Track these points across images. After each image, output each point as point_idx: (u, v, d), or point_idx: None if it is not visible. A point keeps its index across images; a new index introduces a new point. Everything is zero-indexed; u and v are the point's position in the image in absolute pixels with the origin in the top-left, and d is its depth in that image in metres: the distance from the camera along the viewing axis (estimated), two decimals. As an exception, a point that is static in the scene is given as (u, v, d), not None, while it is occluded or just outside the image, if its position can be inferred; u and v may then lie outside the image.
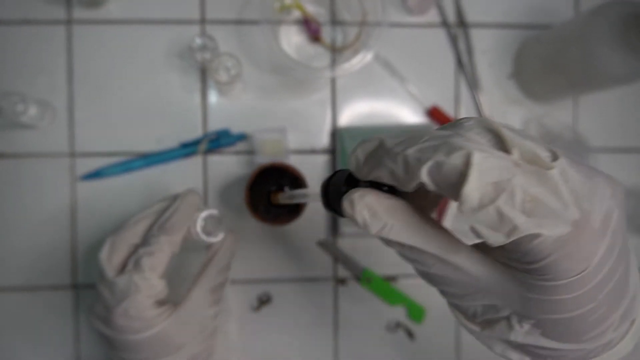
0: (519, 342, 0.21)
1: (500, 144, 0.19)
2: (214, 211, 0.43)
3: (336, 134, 0.55)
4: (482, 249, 0.21)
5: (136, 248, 0.40)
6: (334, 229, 0.55)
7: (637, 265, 0.21)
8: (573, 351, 0.21)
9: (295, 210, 0.47)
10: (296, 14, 0.54)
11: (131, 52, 0.53)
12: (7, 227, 0.52)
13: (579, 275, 0.18)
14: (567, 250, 0.18)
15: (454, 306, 0.23)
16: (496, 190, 0.17)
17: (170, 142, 0.53)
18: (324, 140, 0.55)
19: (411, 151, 0.19)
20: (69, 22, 0.52)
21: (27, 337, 0.52)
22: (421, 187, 0.20)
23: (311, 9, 0.55)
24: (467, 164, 0.17)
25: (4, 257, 0.52)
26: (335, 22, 0.55)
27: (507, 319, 0.21)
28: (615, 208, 0.19)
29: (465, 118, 0.21)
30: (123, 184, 0.53)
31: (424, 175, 0.19)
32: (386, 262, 0.56)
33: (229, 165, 0.54)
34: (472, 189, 0.17)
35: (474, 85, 0.57)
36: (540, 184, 0.17)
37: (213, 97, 0.54)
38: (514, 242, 0.18)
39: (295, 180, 0.47)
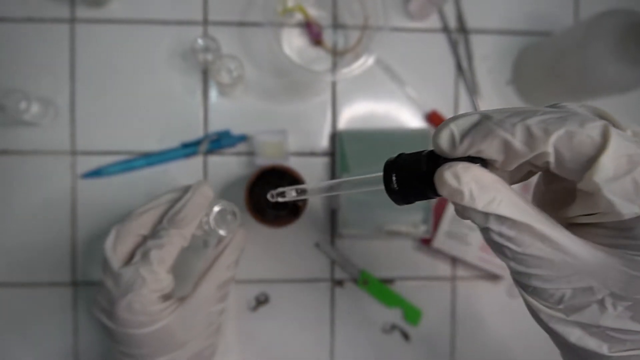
0: (607, 326, 0.20)
1: (615, 125, 0.19)
2: (229, 204, 0.41)
3: (336, 136, 0.55)
4: (578, 232, 0.21)
5: (143, 239, 0.39)
6: (332, 230, 0.56)
7: None
8: None
9: (294, 211, 0.47)
10: (298, 17, 0.55)
11: (133, 52, 0.53)
12: (7, 223, 0.52)
13: None
14: None
15: (536, 292, 0.21)
16: (630, 163, 0.18)
17: (171, 142, 0.54)
18: (323, 142, 0.56)
19: (534, 120, 0.19)
20: (72, 20, 0.53)
21: (25, 333, 0.53)
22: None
23: (313, 12, 0.55)
24: (605, 134, 0.18)
25: (4, 253, 0.52)
26: (337, 25, 0.56)
27: (601, 301, 0.20)
28: None
29: (560, 105, 0.21)
30: (123, 182, 0.53)
31: (551, 145, 0.19)
32: (383, 265, 0.56)
33: (229, 166, 0.54)
34: (610, 159, 0.18)
35: (473, 90, 0.57)
36: None
37: (214, 98, 0.54)
38: (637, 217, 0.19)
39: (294, 182, 0.48)
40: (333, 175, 0.55)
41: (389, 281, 0.57)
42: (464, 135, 0.21)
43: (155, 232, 0.39)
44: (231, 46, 0.54)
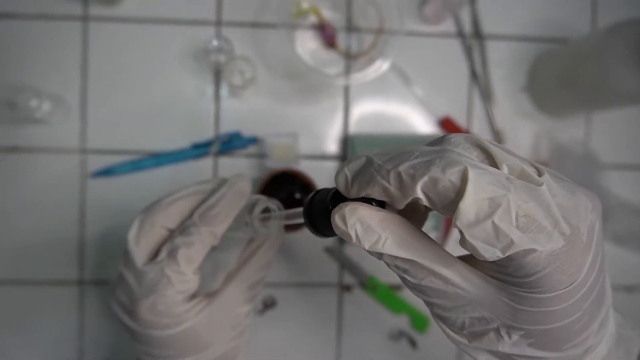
0: (506, 352, 0.22)
1: (489, 159, 0.19)
2: (273, 201, 0.35)
3: (347, 140, 0.55)
4: (472, 262, 0.22)
5: (170, 233, 0.35)
6: (342, 235, 0.55)
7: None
8: (558, 359, 0.21)
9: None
10: (312, 19, 0.54)
11: (146, 51, 0.53)
12: (15, 220, 0.52)
13: (569, 287, 0.19)
14: (559, 264, 0.18)
15: (441, 318, 0.23)
16: (492, 206, 0.18)
17: (182, 142, 0.53)
18: (334, 146, 0.55)
19: (404, 167, 0.19)
20: (84, 18, 0.52)
21: (31, 331, 0.53)
22: (411, 203, 0.20)
23: (327, 15, 0.55)
24: (463, 179, 0.18)
25: (11, 250, 0.52)
26: (351, 28, 0.55)
27: (496, 330, 0.21)
28: (596, 221, 0.20)
29: (450, 134, 0.21)
30: (133, 182, 0.53)
31: (419, 191, 0.19)
32: (392, 271, 0.56)
33: (239, 168, 0.54)
34: (469, 204, 0.18)
35: (487, 97, 0.57)
36: (532, 199, 0.18)
37: (225, 99, 0.54)
38: (507, 256, 0.18)
39: (305, 186, 0.47)
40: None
41: (397, 287, 0.56)
42: (352, 180, 0.22)
43: (184, 228, 0.35)
44: (244, 47, 0.54)
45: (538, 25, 0.57)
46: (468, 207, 0.18)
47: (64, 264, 0.53)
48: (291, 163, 0.52)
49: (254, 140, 0.54)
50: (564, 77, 0.53)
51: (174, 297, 0.34)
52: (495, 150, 0.19)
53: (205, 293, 0.38)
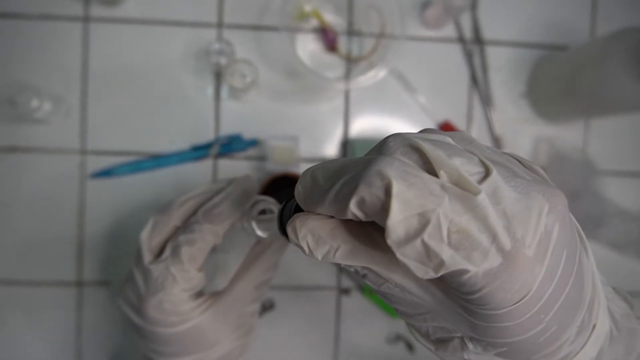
0: None
1: (427, 164, 0.17)
2: (271, 202, 0.36)
3: (347, 144, 0.55)
4: None
5: (176, 230, 0.36)
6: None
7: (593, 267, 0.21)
8: None
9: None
10: (314, 22, 0.54)
11: (146, 53, 0.53)
12: (13, 220, 0.52)
13: (517, 304, 0.17)
14: (499, 283, 0.17)
15: (407, 323, 0.22)
16: (421, 222, 0.16)
17: (182, 144, 0.53)
18: (334, 149, 0.55)
19: (337, 187, 0.18)
20: (86, 19, 0.52)
21: (29, 331, 0.53)
22: None
23: (329, 18, 0.55)
24: (387, 194, 0.16)
25: (10, 250, 0.52)
26: (352, 32, 0.55)
27: (460, 338, 0.20)
28: (555, 222, 0.18)
29: (390, 136, 0.19)
30: (132, 183, 0.53)
31: (355, 211, 0.18)
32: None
33: (239, 170, 0.54)
34: (396, 221, 0.16)
35: (486, 102, 0.57)
36: (467, 211, 0.16)
37: (226, 101, 0.54)
38: (445, 274, 0.17)
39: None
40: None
41: (395, 291, 0.56)
42: (304, 198, 0.21)
43: (187, 225, 0.35)
44: (245, 49, 0.54)
45: (538, 32, 0.57)
46: (396, 224, 0.16)
47: (62, 265, 0.53)
48: (291, 166, 0.52)
49: (254, 143, 0.54)
50: (563, 83, 0.53)
51: (180, 295, 0.34)
52: (433, 153, 0.17)
53: (209, 293, 0.38)
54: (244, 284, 0.38)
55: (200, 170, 0.54)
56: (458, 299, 0.19)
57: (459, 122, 0.56)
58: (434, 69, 0.57)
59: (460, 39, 0.57)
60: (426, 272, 0.17)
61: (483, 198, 0.16)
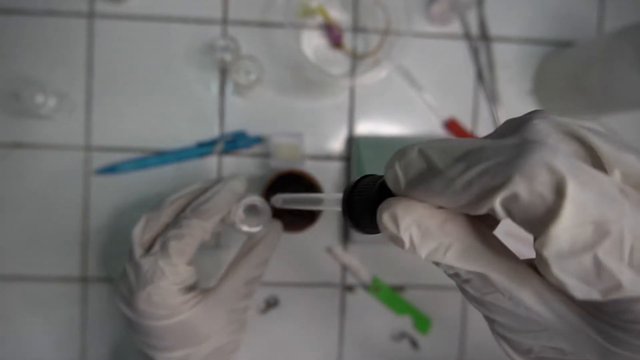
0: None
1: (592, 157, 0.14)
2: (257, 200, 0.39)
3: (352, 141, 0.54)
4: None
5: (167, 227, 0.37)
6: (345, 235, 0.55)
7: None
8: None
9: (310, 217, 0.47)
10: (319, 18, 0.54)
11: (151, 49, 0.53)
12: (19, 217, 0.52)
13: None
14: None
15: (503, 337, 0.19)
16: (597, 233, 0.13)
17: (186, 140, 0.53)
18: (339, 146, 0.55)
19: (471, 175, 0.15)
20: (91, 15, 0.52)
21: (34, 327, 0.53)
22: None
23: (334, 15, 0.54)
24: (559, 193, 0.13)
25: (15, 246, 0.52)
26: (357, 29, 0.55)
27: None
28: None
29: (534, 114, 0.16)
30: (137, 180, 0.53)
31: (499, 208, 0.14)
32: (395, 271, 0.56)
33: (244, 167, 0.54)
34: (564, 228, 0.13)
35: (493, 99, 0.56)
36: None
37: (231, 97, 0.54)
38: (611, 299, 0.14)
39: (311, 187, 0.47)
40: (348, 180, 0.55)
41: (399, 288, 0.56)
42: (407, 184, 0.17)
43: (176, 221, 0.37)
44: (250, 46, 0.53)
45: (545, 27, 0.57)
46: (562, 232, 0.13)
47: (67, 261, 0.53)
48: (296, 163, 0.52)
49: (258, 140, 0.54)
50: (571, 80, 0.53)
51: (169, 288, 0.35)
52: (602, 145, 0.14)
53: (201, 289, 0.39)
54: (234, 280, 0.39)
55: (205, 167, 0.54)
56: (602, 324, 0.15)
57: (464, 119, 0.56)
58: (440, 66, 0.56)
59: (466, 36, 0.56)
60: (589, 294, 0.14)
61: None
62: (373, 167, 0.52)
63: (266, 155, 0.54)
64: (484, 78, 0.56)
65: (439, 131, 0.56)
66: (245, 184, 0.40)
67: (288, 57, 0.54)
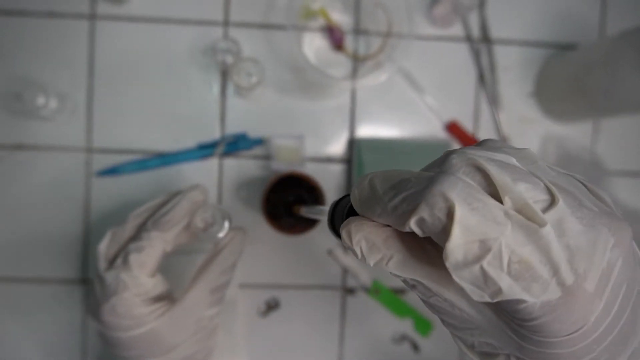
0: None
1: (491, 187, 0.17)
2: (216, 206, 0.41)
3: (354, 143, 0.54)
4: None
5: (130, 240, 0.39)
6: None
7: None
8: None
9: (311, 221, 0.47)
10: (320, 20, 0.54)
11: (152, 51, 0.53)
12: (20, 218, 0.52)
13: (573, 335, 0.17)
14: (556, 315, 0.17)
15: (453, 334, 0.22)
16: (482, 249, 0.16)
17: (187, 142, 0.53)
18: (340, 148, 0.55)
19: (396, 201, 0.19)
20: (92, 16, 0.52)
21: (35, 329, 0.53)
22: None
23: (336, 17, 0.54)
24: (449, 218, 0.17)
25: (15, 248, 0.52)
26: (359, 31, 0.55)
27: (507, 356, 0.20)
28: (619, 257, 0.17)
29: (453, 152, 0.19)
30: (138, 181, 0.53)
31: (414, 227, 0.18)
32: (396, 274, 0.56)
33: (244, 169, 0.54)
34: (456, 245, 0.16)
35: (494, 101, 0.56)
36: (530, 242, 0.16)
37: (232, 99, 0.54)
38: (501, 301, 0.17)
39: (312, 190, 0.47)
40: (349, 183, 0.55)
41: (400, 291, 0.56)
42: (360, 204, 0.21)
43: (137, 234, 0.39)
44: (251, 48, 0.53)
45: (547, 30, 0.57)
46: (455, 247, 0.16)
47: (68, 263, 0.53)
48: (297, 165, 0.52)
49: (259, 142, 0.54)
50: (572, 83, 0.53)
51: (132, 299, 0.37)
52: (498, 177, 0.17)
53: (173, 299, 0.40)
54: (199, 288, 0.40)
55: (206, 169, 0.53)
56: (510, 323, 0.19)
57: (466, 122, 0.56)
58: (441, 68, 0.56)
59: (468, 38, 0.56)
60: (482, 297, 0.17)
61: (547, 230, 0.16)
62: (374, 169, 0.52)
63: (267, 157, 0.54)
64: (486, 80, 0.56)
65: (441, 133, 0.56)
66: (205, 193, 0.42)
67: (289, 59, 0.54)
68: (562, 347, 0.18)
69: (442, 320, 0.22)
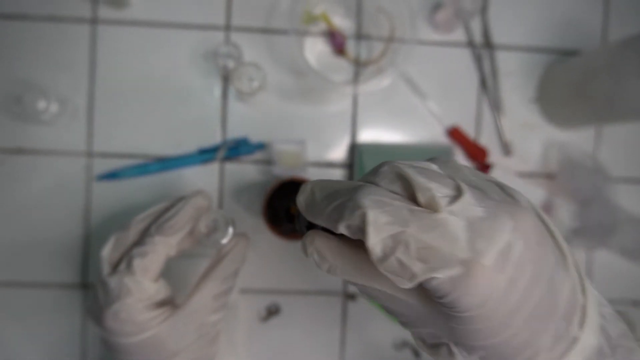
0: None
1: (410, 189, 0.21)
2: (220, 212, 0.41)
3: (355, 149, 0.54)
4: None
5: (134, 245, 0.39)
6: (347, 243, 0.55)
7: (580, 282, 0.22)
8: None
9: (312, 225, 0.47)
10: (322, 25, 0.54)
11: (154, 55, 0.53)
12: (20, 222, 0.52)
13: (483, 309, 0.19)
14: (462, 288, 0.19)
15: (410, 331, 0.25)
16: (394, 242, 0.19)
17: (188, 147, 0.53)
18: (342, 153, 0.55)
19: (329, 209, 0.22)
20: (93, 21, 0.52)
21: (34, 333, 0.52)
22: None
23: (338, 22, 0.54)
24: (364, 222, 0.20)
25: (15, 252, 0.52)
26: (361, 36, 0.55)
27: (447, 345, 0.22)
28: (517, 240, 0.20)
29: (384, 163, 0.22)
30: (138, 186, 0.53)
31: (344, 232, 0.21)
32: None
33: (245, 174, 0.54)
34: (374, 243, 0.20)
35: (496, 107, 0.56)
36: (432, 229, 0.19)
37: (233, 104, 0.54)
38: (422, 283, 0.20)
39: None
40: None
41: (402, 297, 0.56)
42: (305, 211, 0.24)
43: (140, 240, 0.39)
44: (252, 52, 0.53)
45: (549, 36, 0.57)
46: (374, 245, 0.20)
47: (68, 267, 0.53)
48: (298, 170, 0.52)
49: (261, 147, 0.53)
50: (575, 89, 0.53)
51: (135, 304, 0.36)
52: (415, 179, 0.20)
53: (175, 304, 0.40)
54: (202, 294, 0.40)
55: (207, 174, 0.53)
56: (437, 305, 0.21)
57: (468, 127, 0.56)
58: (443, 74, 0.56)
59: (470, 43, 0.56)
60: (403, 282, 0.20)
61: (444, 217, 0.19)
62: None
63: (268, 162, 0.54)
64: (488, 86, 0.56)
65: (442, 139, 0.56)
66: (208, 199, 0.42)
67: (291, 64, 0.54)
68: (478, 322, 0.20)
69: (400, 322, 0.24)
